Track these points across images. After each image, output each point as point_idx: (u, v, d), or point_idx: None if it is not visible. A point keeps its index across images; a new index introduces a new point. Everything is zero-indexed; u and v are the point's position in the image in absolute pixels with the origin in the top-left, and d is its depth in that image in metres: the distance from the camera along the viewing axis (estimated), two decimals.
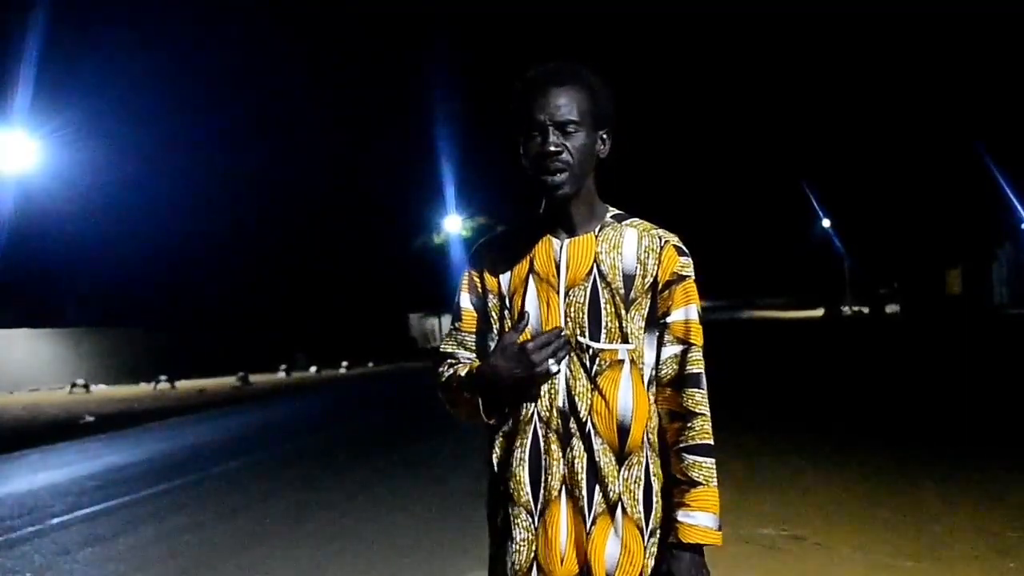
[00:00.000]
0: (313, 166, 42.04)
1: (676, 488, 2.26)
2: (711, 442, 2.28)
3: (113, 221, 29.83)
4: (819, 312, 44.71)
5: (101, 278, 29.12)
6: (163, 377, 21.27)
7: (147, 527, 5.51)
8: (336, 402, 15.88)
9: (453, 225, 36.51)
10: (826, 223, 46.40)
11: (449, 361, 2.38)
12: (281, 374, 25.14)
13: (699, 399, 2.33)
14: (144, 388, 20.77)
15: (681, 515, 2.27)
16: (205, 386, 20.16)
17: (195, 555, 4.92)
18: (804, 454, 6.94)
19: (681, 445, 2.31)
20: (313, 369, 26.76)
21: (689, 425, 2.30)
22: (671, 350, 2.40)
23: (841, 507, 5.22)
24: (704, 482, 2.27)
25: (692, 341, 2.39)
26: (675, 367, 2.36)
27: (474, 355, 2.40)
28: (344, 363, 27.82)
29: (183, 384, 21.09)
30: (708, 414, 2.31)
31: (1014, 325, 24.18)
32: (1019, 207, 34.73)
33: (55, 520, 5.71)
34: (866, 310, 42.35)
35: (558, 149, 2.09)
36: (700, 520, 2.23)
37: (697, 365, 2.36)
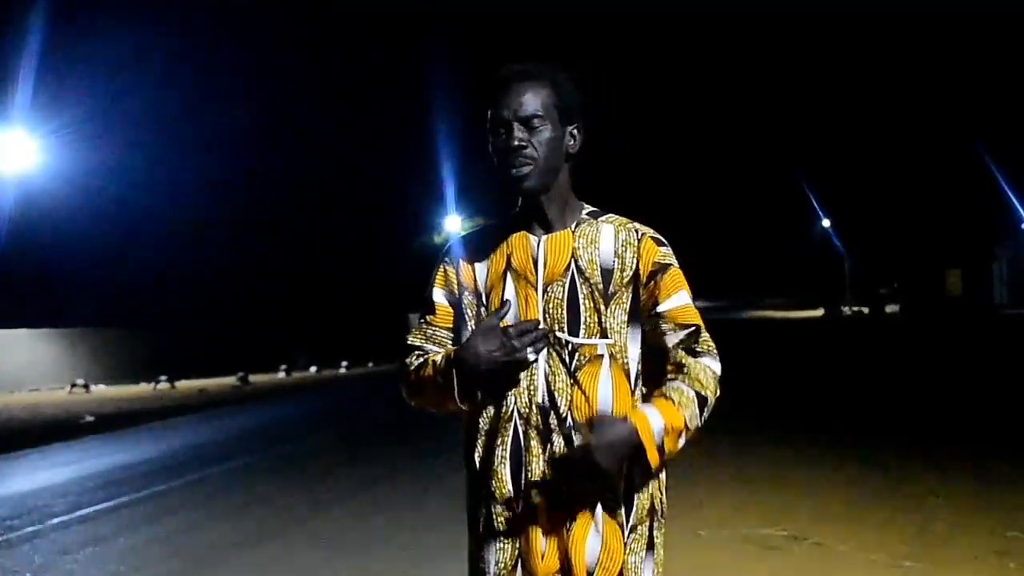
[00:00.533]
0: (313, 166, 42.04)
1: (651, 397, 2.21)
2: (707, 394, 2.23)
3: (113, 221, 29.83)
4: (819, 312, 44.74)
5: (101, 278, 29.13)
6: (163, 377, 21.25)
7: (147, 527, 5.50)
8: (336, 402, 15.87)
9: (453, 225, 36.51)
10: (826, 223, 46.41)
11: (417, 353, 2.38)
12: (281, 374, 25.13)
13: (710, 366, 2.29)
14: (144, 388, 20.76)
15: (642, 405, 2.23)
16: (205, 386, 20.15)
17: (194, 555, 4.91)
18: (804, 454, 6.94)
19: (671, 377, 2.26)
20: (313, 369, 26.75)
21: (692, 375, 2.25)
22: (676, 336, 2.38)
23: (841, 507, 5.22)
24: (677, 404, 2.22)
25: (695, 323, 2.37)
26: (684, 351, 2.34)
27: (443, 350, 2.39)
28: (344, 363, 27.81)
29: (183, 384, 21.08)
30: (716, 372, 2.26)
31: (1014, 325, 24.18)
32: (1019, 207, 34.74)
33: (55, 520, 5.71)
34: (866, 310, 42.37)
35: (522, 144, 2.11)
36: (652, 417, 2.17)
37: (706, 344, 2.34)
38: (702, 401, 2.16)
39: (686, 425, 2.11)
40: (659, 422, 2.11)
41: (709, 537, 4.68)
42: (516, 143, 2.12)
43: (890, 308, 41.12)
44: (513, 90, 2.15)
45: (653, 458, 2.08)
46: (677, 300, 2.40)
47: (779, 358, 18.20)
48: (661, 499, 2.27)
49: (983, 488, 5.49)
